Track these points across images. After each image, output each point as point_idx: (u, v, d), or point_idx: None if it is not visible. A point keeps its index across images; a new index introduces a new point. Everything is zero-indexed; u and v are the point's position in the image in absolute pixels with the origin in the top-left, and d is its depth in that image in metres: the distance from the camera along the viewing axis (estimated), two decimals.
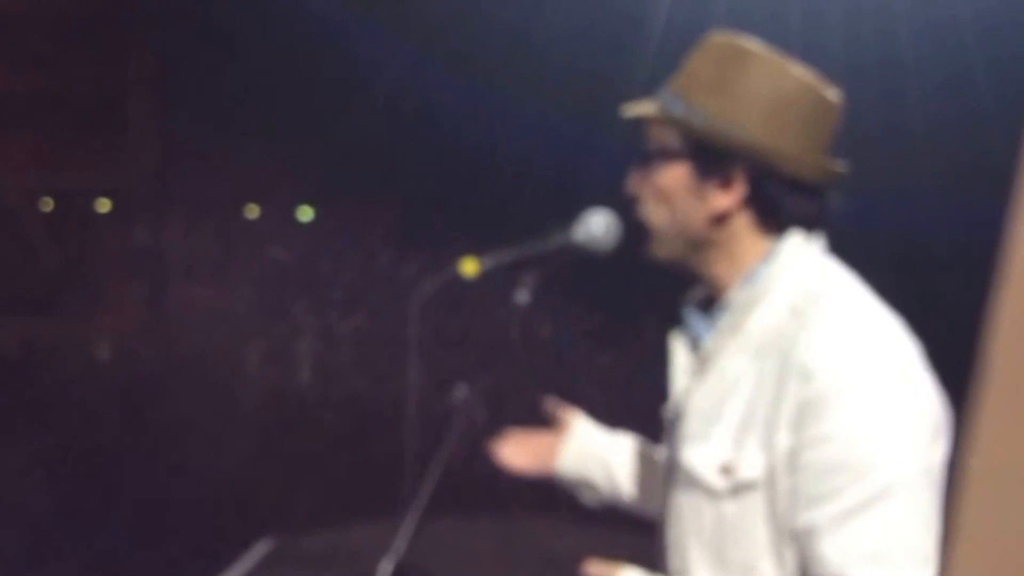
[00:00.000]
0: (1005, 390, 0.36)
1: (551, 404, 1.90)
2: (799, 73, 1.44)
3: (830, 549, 1.28)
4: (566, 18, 6.67)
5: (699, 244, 1.48)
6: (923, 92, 5.42)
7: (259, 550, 3.66)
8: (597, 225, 1.62)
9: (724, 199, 1.44)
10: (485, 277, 1.64)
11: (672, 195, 1.47)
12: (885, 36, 5.39)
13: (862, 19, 5.38)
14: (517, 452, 1.87)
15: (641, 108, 1.51)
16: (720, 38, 1.49)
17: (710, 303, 1.55)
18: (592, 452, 1.84)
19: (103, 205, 11.68)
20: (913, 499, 1.27)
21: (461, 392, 1.72)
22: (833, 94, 1.46)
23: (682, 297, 1.60)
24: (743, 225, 1.46)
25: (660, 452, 1.86)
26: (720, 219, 1.46)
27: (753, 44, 1.46)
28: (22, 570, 4.57)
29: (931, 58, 5.36)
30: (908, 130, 5.40)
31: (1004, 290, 0.37)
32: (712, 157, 1.43)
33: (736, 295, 1.46)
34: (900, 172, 5.24)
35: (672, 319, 1.60)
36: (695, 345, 1.54)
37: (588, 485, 1.85)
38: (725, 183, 1.44)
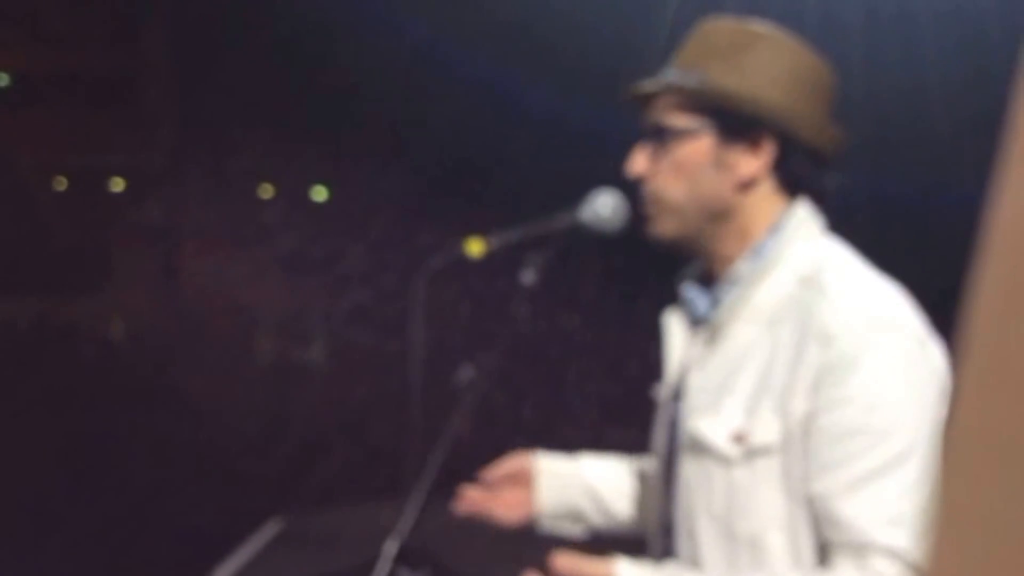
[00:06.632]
0: (986, 371, 0.34)
1: (494, 477, 1.71)
2: (803, 48, 1.46)
3: (849, 513, 1.28)
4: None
5: (718, 215, 1.46)
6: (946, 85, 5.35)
7: (269, 530, 3.67)
8: (604, 205, 1.59)
9: (752, 164, 1.43)
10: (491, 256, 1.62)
11: (693, 168, 1.45)
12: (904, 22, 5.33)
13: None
14: (502, 507, 1.71)
15: (656, 84, 1.49)
16: (719, 21, 1.50)
17: (706, 279, 1.53)
18: (569, 481, 1.73)
19: (117, 184, 11.71)
20: (925, 463, 1.28)
21: (467, 373, 1.70)
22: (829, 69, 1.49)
23: (673, 276, 1.57)
24: (765, 192, 1.46)
25: (626, 464, 1.76)
26: (746, 186, 1.45)
27: (756, 23, 1.47)
28: (34, 540, 4.60)
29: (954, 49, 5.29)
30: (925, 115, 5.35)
31: (985, 271, 0.35)
32: (739, 123, 1.43)
33: (743, 268, 1.45)
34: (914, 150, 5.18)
35: (661, 298, 1.58)
36: (695, 321, 1.52)
37: (575, 516, 1.73)
38: (754, 146, 1.43)
